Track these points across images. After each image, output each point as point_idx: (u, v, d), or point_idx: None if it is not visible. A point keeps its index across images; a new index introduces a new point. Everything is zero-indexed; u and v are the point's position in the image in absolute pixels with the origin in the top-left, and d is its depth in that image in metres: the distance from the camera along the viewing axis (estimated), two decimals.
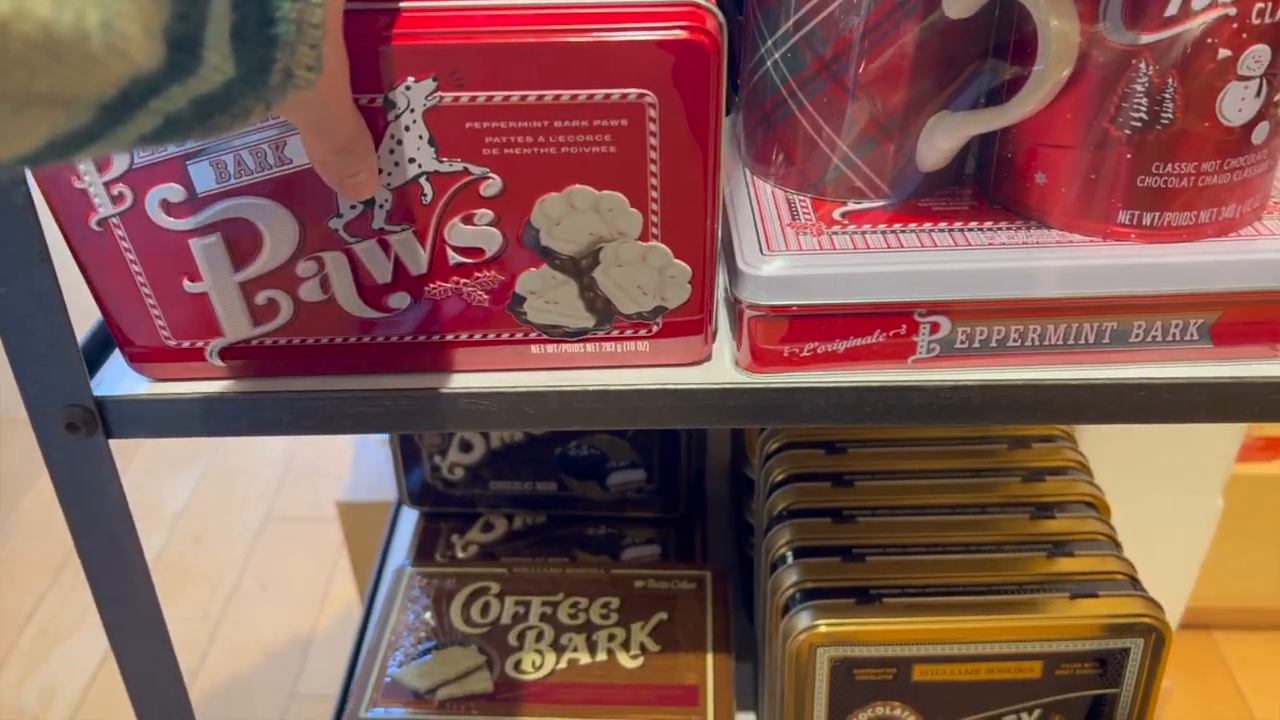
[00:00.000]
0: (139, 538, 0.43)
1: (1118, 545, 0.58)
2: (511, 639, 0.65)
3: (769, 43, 0.40)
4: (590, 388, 0.40)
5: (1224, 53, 0.35)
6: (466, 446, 0.74)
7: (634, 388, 0.40)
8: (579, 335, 0.40)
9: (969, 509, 0.59)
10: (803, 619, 0.52)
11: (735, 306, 0.40)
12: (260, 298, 0.39)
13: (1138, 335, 0.39)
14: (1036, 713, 0.55)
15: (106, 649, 1.23)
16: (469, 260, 0.38)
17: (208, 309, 0.39)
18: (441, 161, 0.36)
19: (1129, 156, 0.37)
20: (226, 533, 1.42)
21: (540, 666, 0.63)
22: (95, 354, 0.42)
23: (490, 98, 0.34)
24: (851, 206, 0.42)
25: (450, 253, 0.38)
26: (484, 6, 0.34)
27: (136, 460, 1.54)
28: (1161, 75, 0.36)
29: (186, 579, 1.35)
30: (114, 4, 0.22)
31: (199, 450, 1.56)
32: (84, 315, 0.41)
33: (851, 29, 0.38)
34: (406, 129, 0.35)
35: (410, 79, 0.34)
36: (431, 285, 0.39)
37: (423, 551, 0.75)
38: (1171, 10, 0.35)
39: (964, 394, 0.39)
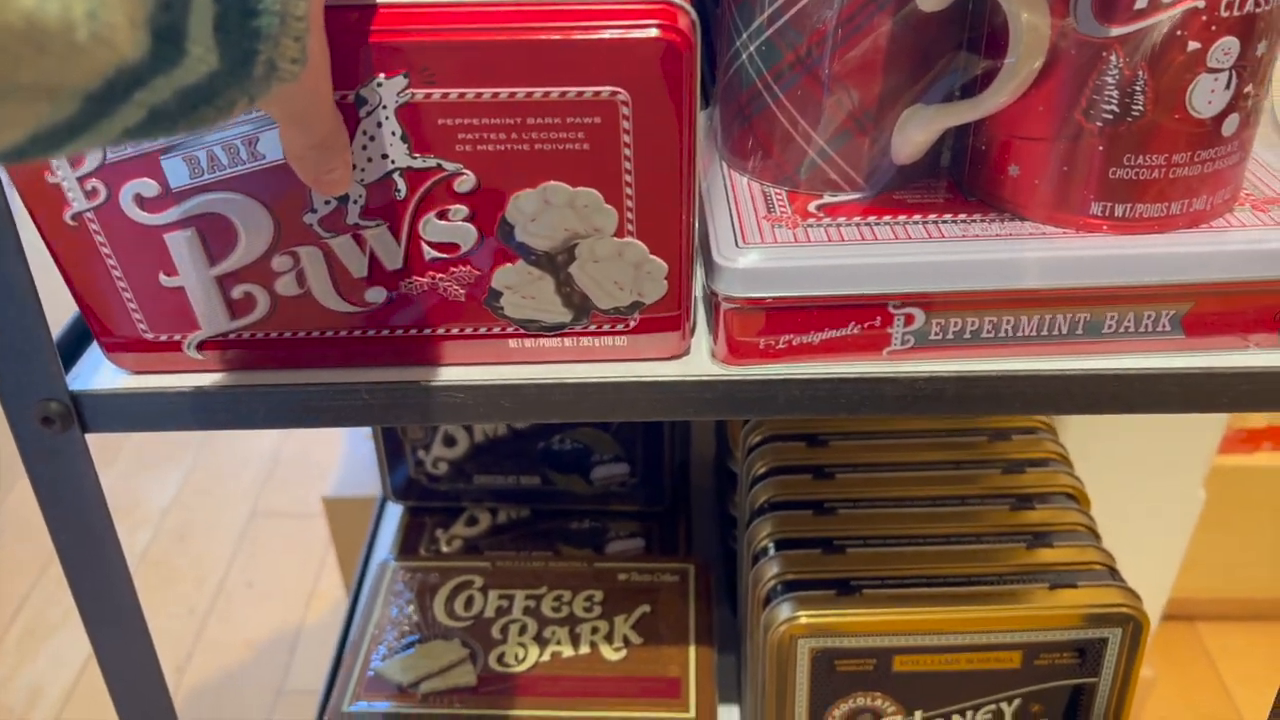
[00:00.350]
0: (117, 533, 0.42)
1: (1097, 536, 0.58)
2: (495, 632, 0.65)
3: (743, 36, 0.40)
4: (566, 380, 0.40)
5: (1193, 45, 0.35)
6: (450, 441, 0.74)
7: (610, 380, 0.40)
8: (556, 330, 0.40)
9: (949, 501, 0.60)
10: (783, 610, 0.53)
11: (711, 299, 0.40)
12: (237, 292, 0.39)
13: (1110, 326, 0.39)
14: (1016, 702, 0.55)
15: None
16: (444, 255, 0.38)
17: (184, 303, 0.39)
18: (415, 157, 0.36)
19: (1101, 148, 0.38)
20: (212, 529, 1.42)
21: (523, 659, 0.63)
22: (71, 348, 0.42)
23: (462, 95, 0.34)
24: (827, 199, 0.42)
25: (425, 248, 0.38)
26: (456, 4, 0.34)
27: (122, 456, 1.54)
28: (1132, 68, 0.36)
29: (172, 575, 1.34)
30: None
31: (185, 446, 1.56)
32: (59, 310, 0.41)
33: (825, 22, 0.38)
34: (379, 125, 0.35)
35: (381, 76, 0.34)
36: (407, 280, 0.39)
37: (407, 546, 0.75)
38: (1141, 3, 0.35)
39: (938, 385, 0.39)
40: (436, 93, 0.34)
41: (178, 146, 0.35)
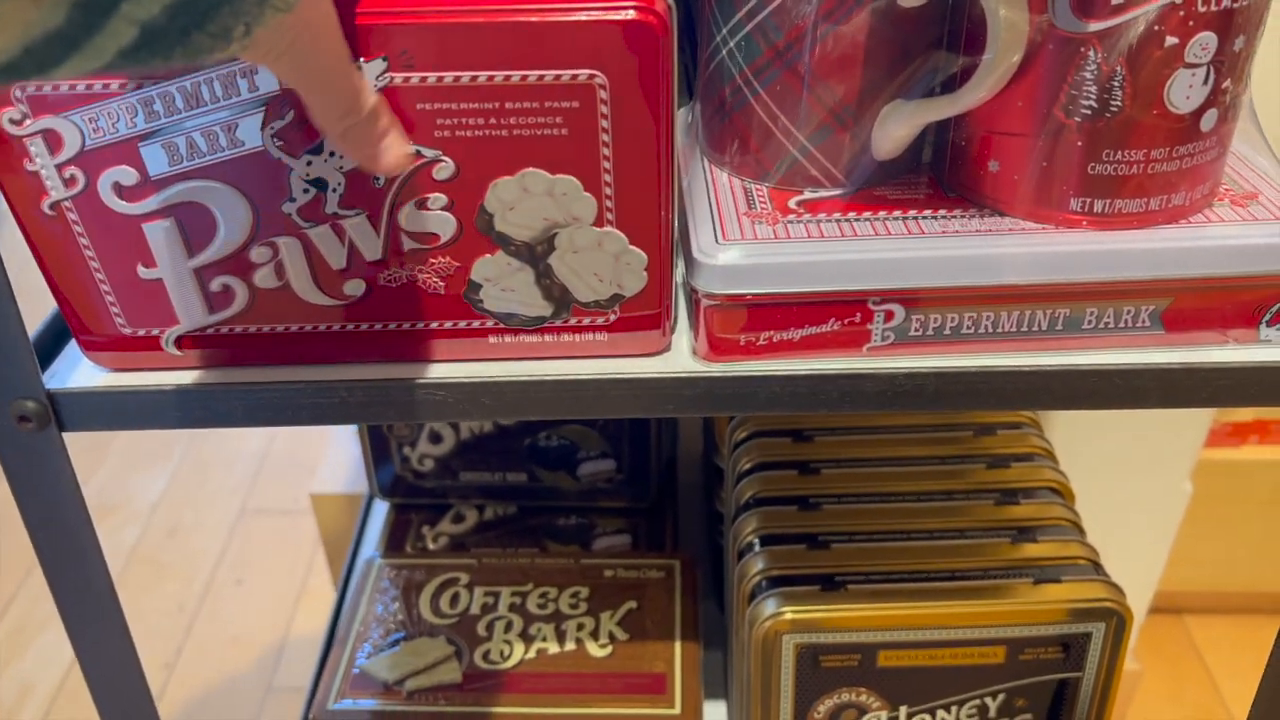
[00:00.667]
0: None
1: (1081, 530, 0.58)
2: (480, 629, 0.65)
3: (723, 31, 0.40)
4: (547, 377, 0.40)
5: (1171, 40, 0.35)
6: (436, 438, 0.74)
7: (590, 377, 0.40)
8: (537, 324, 0.40)
9: (934, 495, 0.60)
10: (768, 606, 0.53)
11: (692, 295, 0.40)
12: (215, 284, 0.39)
13: (1090, 322, 0.40)
14: (1000, 697, 0.55)
15: None
16: (423, 246, 0.38)
17: (163, 296, 0.39)
18: None
19: (1080, 144, 0.37)
20: (201, 526, 1.41)
21: (509, 656, 0.63)
22: (48, 347, 0.42)
23: (441, 78, 0.34)
24: (807, 195, 0.42)
25: (404, 238, 0.38)
26: None
27: (111, 453, 1.53)
28: (1110, 63, 0.36)
29: (161, 572, 1.34)
30: None
31: (173, 443, 1.55)
32: (36, 308, 0.41)
33: (804, 17, 0.38)
34: None
35: (360, 60, 0.34)
36: (386, 272, 0.39)
37: (393, 543, 0.75)
38: None
39: (918, 381, 0.39)
40: (415, 76, 0.34)
41: (157, 133, 0.35)
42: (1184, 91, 0.36)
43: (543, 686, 0.61)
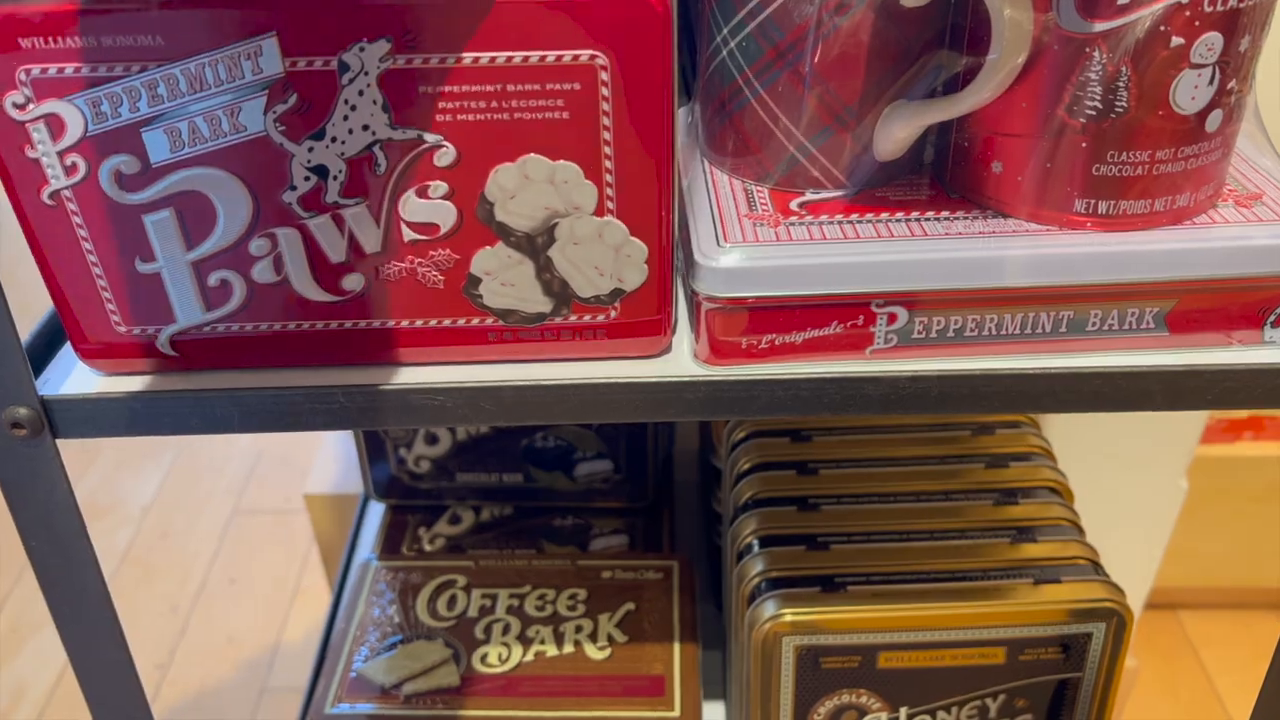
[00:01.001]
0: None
1: (1080, 530, 0.58)
2: (478, 632, 0.64)
3: (724, 31, 0.40)
4: (547, 382, 0.39)
5: (1177, 41, 0.35)
6: (432, 439, 0.73)
7: (591, 381, 0.39)
8: (536, 322, 0.40)
9: (933, 496, 0.59)
10: (768, 608, 0.52)
11: (693, 298, 0.40)
12: (213, 279, 0.38)
13: (1094, 324, 0.39)
14: (1001, 698, 0.55)
15: None
16: (423, 237, 0.38)
17: (160, 291, 0.38)
18: (395, 129, 0.36)
19: (1084, 145, 0.37)
20: (194, 526, 1.41)
21: (507, 659, 0.63)
22: (41, 353, 0.41)
23: (444, 60, 0.34)
24: (809, 197, 0.41)
25: (405, 229, 0.38)
26: None
27: (103, 454, 1.52)
28: (1115, 64, 0.36)
29: (154, 573, 1.33)
30: None
31: (166, 443, 1.54)
32: (28, 314, 0.40)
33: (806, 17, 0.38)
34: (360, 93, 0.35)
35: (364, 40, 0.34)
36: (386, 265, 0.38)
37: (389, 545, 0.74)
38: None
39: (921, 384, 0.39)
40: (418, 58, 0.34)
41: (160, 117, 0.35)
42: (1189, 92, 0.36)
43: (541, 689, 0.61)
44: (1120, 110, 0.36)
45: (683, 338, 0.41)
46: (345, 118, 0.35)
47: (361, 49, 0.34)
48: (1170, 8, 0.34)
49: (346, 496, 1.03)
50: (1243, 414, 1.08)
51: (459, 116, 0.36)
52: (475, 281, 0.39)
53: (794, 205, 0.41)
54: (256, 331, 0.40)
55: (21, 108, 0.35)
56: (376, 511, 0.79)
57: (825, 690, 0.54)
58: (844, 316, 0.39)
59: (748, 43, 0.39)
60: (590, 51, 0.34)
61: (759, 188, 0.42)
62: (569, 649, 0.63)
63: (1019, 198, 0.39)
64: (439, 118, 0.36)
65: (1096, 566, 0.55)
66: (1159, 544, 0.99)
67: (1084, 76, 0.36)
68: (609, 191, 0.37)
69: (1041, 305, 0.39)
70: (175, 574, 1.33)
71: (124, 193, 0.36)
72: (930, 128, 0.40)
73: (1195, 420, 0.92)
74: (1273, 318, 0.39)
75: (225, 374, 0.40)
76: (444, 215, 0.37)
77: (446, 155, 0.36)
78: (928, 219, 0.40)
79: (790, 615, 0.52)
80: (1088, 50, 0.36)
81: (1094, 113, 0.36)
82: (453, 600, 0.66)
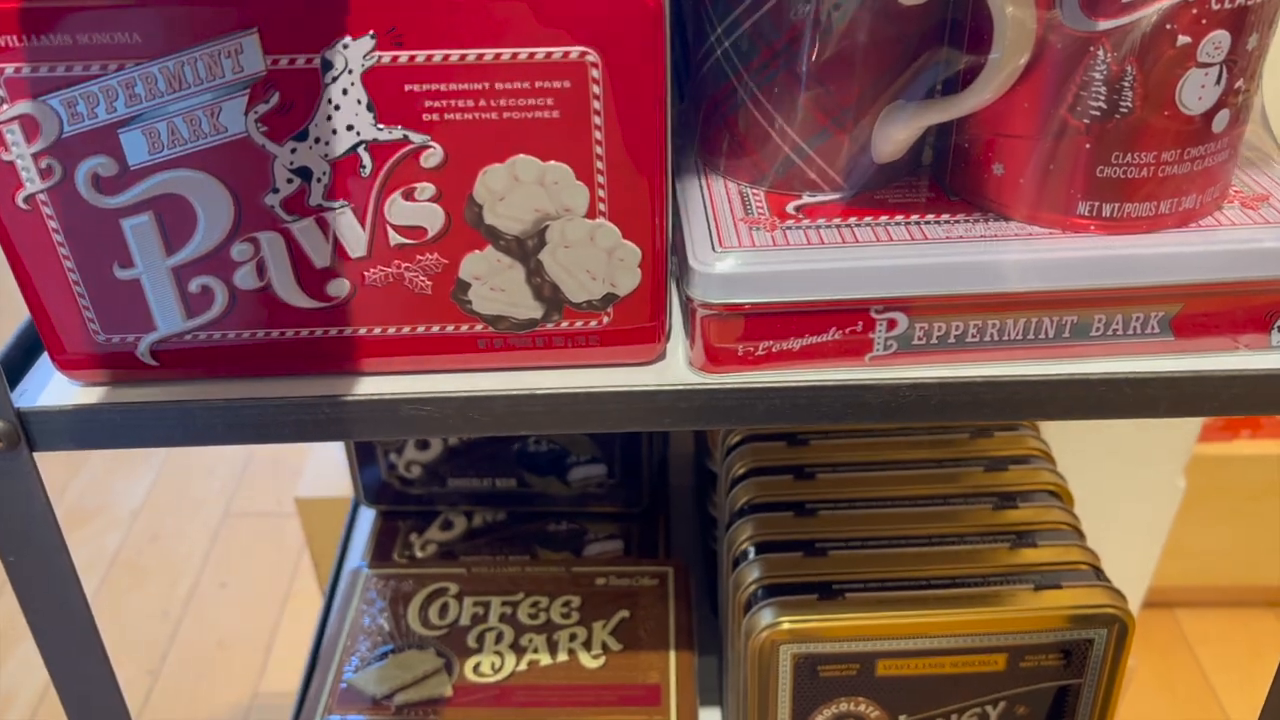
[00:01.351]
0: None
1: (1081, 535, 0.58)
2: (471, 641, 0.64)
3: (718, 30, 0.39)
4: (538, 391, 0.38)
5: (1183, 39, 0.34)
6: (423, 444, 0.72)
7: (584, 390, 0.38)
8: (527, 328, 0.39)
9: (931, 500, 0.59)
10: (765, 616, 0.52)
11: (688, 305, 0.39)
12: (194, 285, 0.37)
13: (1098, 329, 0.38)
14: (1001, 705, 0.55)
15: None
16: (410, 241, 0.37)
17: (139, 299, 0.37)
18: (380, 128, 0.35)
19: (1088, 146, 0.36)
20: (184, 530, 1.39)
21: (500, 669, 0.62)
22: (17, 364, 0.40)
23: (430, 57, 0.33)
24: (806, 200, 0.40)
25: (391, 232, 0.37)
26: None
27: (92, 457, 1.51)
28: (1120, 63, 0.35)
29: (144, 577, 1.32)
30: None
31: None
32: (2, 324, 0.39)
33: (802, 16, 0.37)
34: (344, 92, 0.34)
35: (347, 37, 0.33)
36: (372, 270, 0.37)
37: (380, 552, 0.73)
38: None
39: (922, 392, 0.38)
40: (404, 55, 0.33)
41: (138, 118, 0.34)
42: (1196, 92, 0.35)
43: (535, 699, 0.60)
44: (1125, 110, 0.35)
45: (677, 345, 0.40)
46: (329, 117, 0.35)
47: (345, 45, 0.33)
48: (1177, 5, 0.33)
49: (338, 500, 1.02)
50: None
51: (446, 116, 0.35)
52: (464, 286, 0.38)
53: (790, 208, 0.40)
54: (239, 339, 0.39)
55: None
56: (367, 517, 0.78)
57: (823, 699, 0.53)
58: (843, 323, 0.38)
59: (743, 42, 0.38)
60: (581, 48, 0.33)
61: (754, 190, 0.41)
62: (563, 658, 0.62)
63: (1021, 200, 0.38)
64: (425, 117, 0.35)
65: (1098, 572, 0.55)
66: (1157, 544, 0.99)
67: (1088, 76, 0.35)
68: (601, 193, 0.36)
69: (1044, 310, 0.38)
70: (165, 578, 1.32)
71: (101, 196, 0.35)
72: (929, 128, 0.39)
73: (1193, 419, 0.91)
74: None
75: (207, 384, 0.39)
76: (431, 218, 0.37)
77: (433, 156, 0.35)
78: (928, 222, 0.39)
79: (788, 623, 0.51)
80: (1092, 49, 0.35)
81: (1098, 113, 0.36)
82: (444, 608, 0.65)
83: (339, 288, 0.38)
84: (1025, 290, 0.38)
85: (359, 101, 0.34)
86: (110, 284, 0.37)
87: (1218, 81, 0.35)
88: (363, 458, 0.74)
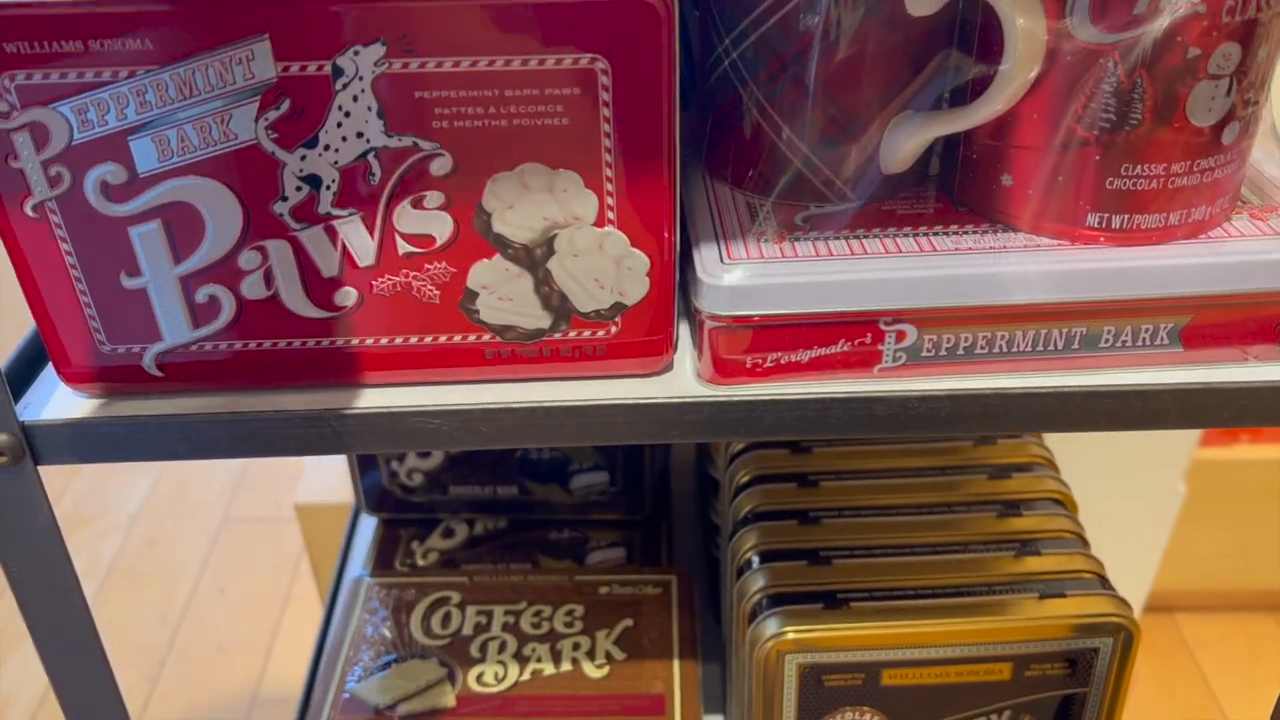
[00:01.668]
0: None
1: (1085, 543, 0.57)
2: (474, 650, 0.63)
3: (726, 41, 0.39)
4: (546, 404, 0.38)
5: (1193, 51, 0.34)
6: (425, 452, 0.72)
7: (592, 403, 0.38)
8: (535, 338, 0.39)
9: (935, 508, 0.59)
10: (770, 625, 0.51)
11: (695, 316, 0.39)
12: (201, 294, 0.37)
13: (1107, 340, 0.38)
14: (1006, 714, 0.54)
15: None
16: (419, 249, 0.37)
17: (146, 308, 0.37)
18: (391, 136, 0.35)
19: (1097, 158, 0.36)
20: (183, 535, 1.39)
21: (503, 678, 0.62)
22: (21, 376, 0.40)
23: (440, 64, 0.33)
24: (813, 210, 0.40)
25: (400, 241, 0.37)
26: None
27: None
28: (1130, 74, 0.35)
29: (143, 582, 1.32)
30: None
31: None
32: (6, 336, 0.39)
33: (811, 27, 0.37)
34: (355, 99, 0.34)
35: (359, 44, 0.33)
36: (380, 279, 0.37)
37: (382, 560, 0.73)
38: (1140, 7, 0.34)
39: (931, 404, 0.38)
40: (414, 62, 0.33)
41: (148, 125, 0.34)
42: (1206, 104, 0.35)
43: (538, 709, 0.60)
44: (1135, 122, 0.35)
45: (684, 356, 0.40)
46: (339, 124, 0.34)
47: (356, 53, 0.33)
48: (1188, 17, 0.33)
49: (337, 506, 1.01)
50: None
51: (456, 123, 0.35)
52: (472, 296, 0.38)
53: (798, 219, 0.40)
54: (246, 350, 0.38)
55: (5, 115, 0.34)
56: (368, 525, 0.77)
57: (828, 708, 0.53)
58: (851, 334, 0.38)
59: (750, 52, 0.38)
60: (590, 55, 0.33)
61: (762, 201, 0.41)
62: (566, 667, 0.62)
63: (1029, 211, 0.38)
64: (435, 124, 0.35)
65: (1103, 580, 0.55)
66: (1157, 549, 0.99)
67: (1098, 88, 0.35)
68: (609, 201, 0.36)
69: (1053, 322, 0.38)
70: (164, 583, 1.32)
71: (110, 204, 0.35)
72: (937, 138, 0.39)
73: None
74: None
75: (213, 396, 0.39)
76: (440, 226, 0.36)
77: (443, 164, 0.35)
78: (936, 233, 0.39)
79: (793, 633, 0.51)
80: (1102, 61, 0.35)
81: (1108, 125, 0.36)
82: (447, 617, 0.65)
83: (346, 297, 0.38)
84: (1034, 302, 0.37)
85: (369, 109, 0.34)
86: (117, 293, 0.37)
87: (1228, 93, 0.35)
88: (364, 465, 0.74)
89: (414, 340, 0.39)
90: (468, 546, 0.74)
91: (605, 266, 0.37)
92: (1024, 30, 0.34)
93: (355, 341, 0.38)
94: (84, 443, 0.38)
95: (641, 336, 0.39)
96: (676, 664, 0.63)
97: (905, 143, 0.39)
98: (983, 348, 0.38)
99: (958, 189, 0.41)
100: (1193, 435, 0.93)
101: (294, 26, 0.33)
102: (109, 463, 0.38)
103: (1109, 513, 0.92)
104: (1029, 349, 0.38)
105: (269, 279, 0.37)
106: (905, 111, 0.39)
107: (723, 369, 0.38)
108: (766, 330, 0.38)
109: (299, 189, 0.35)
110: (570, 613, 0.65)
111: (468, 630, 0.64)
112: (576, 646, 0.63)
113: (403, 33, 0.33)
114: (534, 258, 0.37)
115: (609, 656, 0.63)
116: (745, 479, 0.60)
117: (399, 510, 0.75)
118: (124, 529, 1.39)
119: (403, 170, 0.35)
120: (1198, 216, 0.38)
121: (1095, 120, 0.36)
